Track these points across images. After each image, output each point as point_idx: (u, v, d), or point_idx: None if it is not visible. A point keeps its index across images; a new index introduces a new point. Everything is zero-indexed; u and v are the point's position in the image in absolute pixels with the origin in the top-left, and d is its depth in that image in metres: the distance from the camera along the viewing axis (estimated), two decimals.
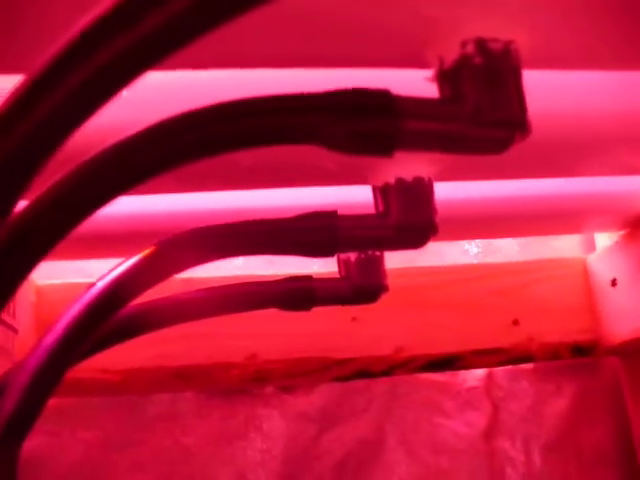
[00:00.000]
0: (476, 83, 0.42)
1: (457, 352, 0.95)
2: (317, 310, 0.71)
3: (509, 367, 0.99)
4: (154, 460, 0.91)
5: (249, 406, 0.93)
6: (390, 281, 0.72)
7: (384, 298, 0.73)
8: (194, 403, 0.92)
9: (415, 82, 0.42)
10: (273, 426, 0.93)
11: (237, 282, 0.68)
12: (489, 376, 1.00)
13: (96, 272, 0.89)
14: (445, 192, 0.63)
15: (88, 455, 0.90)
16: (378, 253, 0.72)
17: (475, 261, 1.04)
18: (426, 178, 0.61)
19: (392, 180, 0.60)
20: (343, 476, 0.93)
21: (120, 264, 0.52)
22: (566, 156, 0.65)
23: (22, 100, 0.30)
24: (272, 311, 0.72)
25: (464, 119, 0.42)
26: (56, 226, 0.38)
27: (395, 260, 0.76)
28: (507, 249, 1.05)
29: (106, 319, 0.52)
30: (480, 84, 0.42)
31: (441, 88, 0.43)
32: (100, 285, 0.51)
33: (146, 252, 0.53)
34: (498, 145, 0.43)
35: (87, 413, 0.90)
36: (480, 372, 0.99)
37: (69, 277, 0.90)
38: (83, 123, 0.31)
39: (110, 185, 0.38)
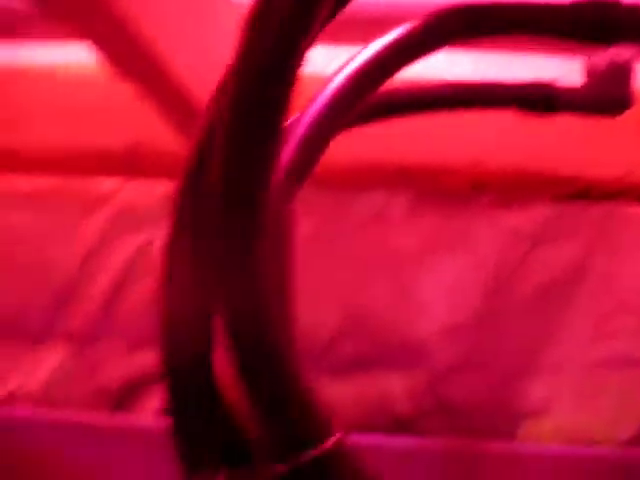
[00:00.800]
0: None
1: None
2: (547, 123, 0.68)
3: None
4: (358, 258, 0.91)
5: (463, 215, 0.91)
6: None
7: (620, 120, 0.68)
8: (408, 205, 0.91)
9: None
10: (484, 238, 0.91)
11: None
12: None
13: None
14: None
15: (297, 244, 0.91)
16: (629, 62, 0.68)
17: None
18: None
19: None
20: (545, 298, 0.92)
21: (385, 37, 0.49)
22: None
23: None
24: (500, 119, 0.69)
25: None
26: None
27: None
28: None
29: (365, 95, 0.50)
30: None
31: None
32: (362, 57, 0.49)
33: (410, 26, 0.49)
34: None
35: (300, 202, 0.90)
36: None
37: None
38: None
39: None
